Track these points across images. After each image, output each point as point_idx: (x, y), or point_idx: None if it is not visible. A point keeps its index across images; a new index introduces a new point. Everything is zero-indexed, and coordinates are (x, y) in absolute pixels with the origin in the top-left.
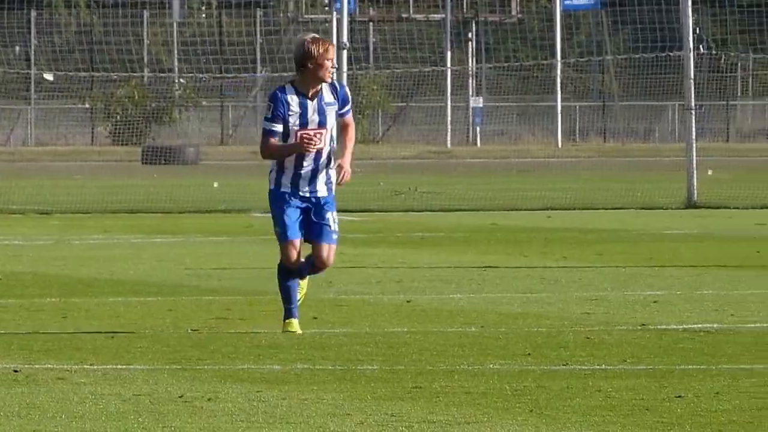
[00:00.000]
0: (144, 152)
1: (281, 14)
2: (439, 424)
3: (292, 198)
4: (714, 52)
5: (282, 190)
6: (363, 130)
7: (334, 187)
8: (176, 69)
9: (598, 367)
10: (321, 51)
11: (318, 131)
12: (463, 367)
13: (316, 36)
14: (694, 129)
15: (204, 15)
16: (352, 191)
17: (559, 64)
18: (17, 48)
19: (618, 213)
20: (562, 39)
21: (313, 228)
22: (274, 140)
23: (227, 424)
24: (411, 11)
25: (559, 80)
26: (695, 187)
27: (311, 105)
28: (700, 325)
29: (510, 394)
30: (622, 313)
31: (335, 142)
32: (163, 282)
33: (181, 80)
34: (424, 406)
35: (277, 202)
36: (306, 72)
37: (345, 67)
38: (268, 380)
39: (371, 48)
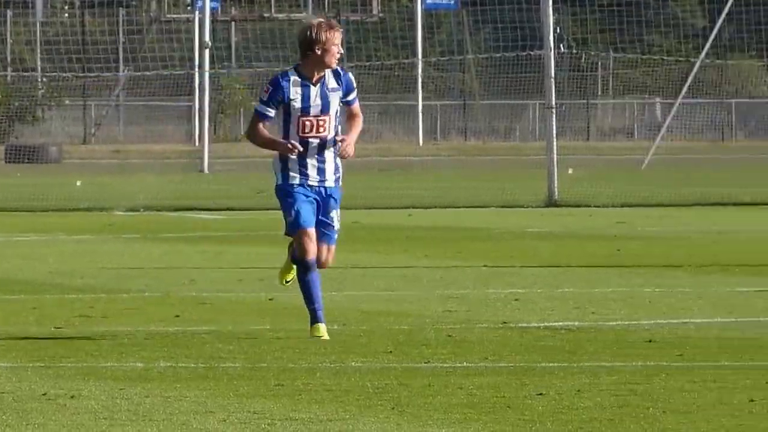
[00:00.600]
0: (7, 151)
1: (143, 14)
2: (301, 422)
3: (303, 188)
4: (574, 51)
5: (291, 182)
6: (225, 129)
7: (341, 180)
8: (39, 68)
9: (459, 364)
10: (329, 36)
11: (321, 118)
12: (325, 365)
13: (323, 20)
14: (554, 128)
15: (66, 14)
16: (215, 190)
17: (420, 63)
18: None
19: (479, 211)
20: (423, 38)
21: (317, 225)
22: (263, 125)
23: (90, 421)
24: (273, 10)
25: (420, 79)
26: (556, 186)
27: (314, 90)
28: (561, 323)
29: (372, 391)
30: (483, 311)
31: (339, 132)
32: (27, 280)
33: (44, 79)
34: (287, 403)
35: (287, 192)
36: (312, 57)
37: (207, 67)
38: (131, 378)
39: (233, 47)
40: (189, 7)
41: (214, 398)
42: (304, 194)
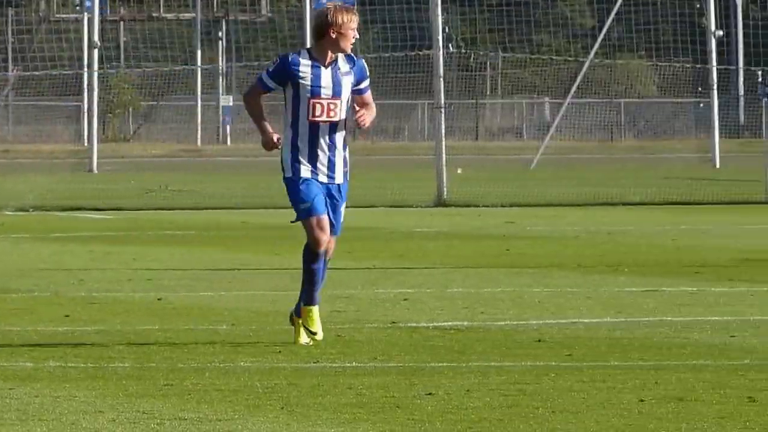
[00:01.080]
0: None
1: (32, 13)
2: (190, 421)
3: (313, 179)
4: (463, 51)
5: (303, 174)
6: (114, 128)
7: (349, 175)
8: None
9: (348, 364)
10: (345, 20)
11: (332, 101)
12: (214, 365)
13: (340, 4)
14: (443, 127)
15: None
16: (104, 189)
17: None
18: None
19: (368, 211)
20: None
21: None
22: (260, 95)
23: None
24: (161, 10)
25: None
26: (445, 186)
27: (325, 73)
28: (450, 323)
29: (261, 391)
30: (372, 310)
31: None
32: None
33: None
34: (176, 403)
35: (298, 181)
36: (326, 40)
37: (96, 66)
38: (20, 377)
39: (122, 47)
40: (78, 7)
41: (104, 398)
42: (315, 183)
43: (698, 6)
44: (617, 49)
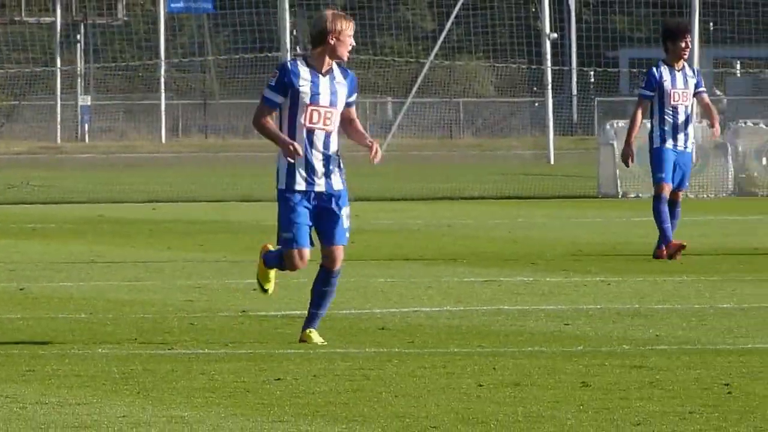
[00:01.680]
0: None
1: None
2: (51, 405)
3: (304, 200)
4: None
5: (296, 188)
6: None
7: (345, 179)
8: None
9: (201, 351)
10: (344, 27)
11: (329, 110)
12: (73, 352)
13: (338, 12)
14: None
15: None
16: None
17: (162, 64)
18: None
19: (219, 205)
20: (166, 40)
21: (327, 227)
22: (270, 115)
23: None
24: (23, 14)
25: (162, 80)
26: None
27: (323, 81)
28: (297, 312)
29: (118, 377)
30: (223, 300)
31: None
32: None
33: None
34: (37, 388)
35: (288, 204)
36: (325, 47)
37: None
38: None
39: None
40: None
41: None
42: (304, 208)
43: (534, 10)
44: (456, 51)
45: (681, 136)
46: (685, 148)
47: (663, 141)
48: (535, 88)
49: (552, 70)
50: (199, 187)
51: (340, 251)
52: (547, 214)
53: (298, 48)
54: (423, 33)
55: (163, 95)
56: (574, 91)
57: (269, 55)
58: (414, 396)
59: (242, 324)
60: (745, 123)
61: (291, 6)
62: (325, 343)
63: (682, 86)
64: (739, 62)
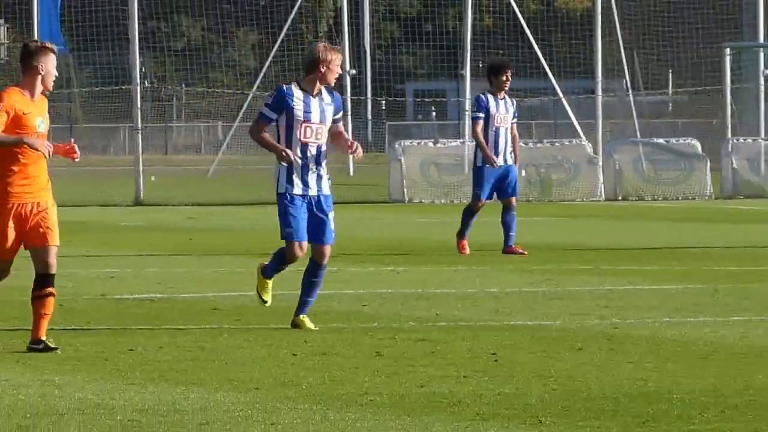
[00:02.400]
0: None
1: None
2: None
3: (302, 202)
4: (156, 85)
5: (294, 192)
6: None
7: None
8: None
9: (67, 327)
10: (333, 58)
11: (320, 126)
12: None
13: (328, 44)
14: (140, 145)
15: None
16: None
17: None
18: None
19: (81, 209)
20: None
21: (317, 227)
22: (265, 127)
23: None
24: None
25: None
26: (141, 189)
27: (314, 101)
28: (146, 295)
29: (2, 349)
30: (86, 286)
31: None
32: None
33: None
34: None
35: (288, 205)
36: (315, 74)
37: None
38: None
39: None
40: None
41: None
42: (302, 208)
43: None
44: (275, 84)
45: (502, 155)
46: (506, 161)
47: (483, 161)
48: None
49: (351, 99)
50: (65, 194)
51: (328, 249)
52: (351, 217)
53: (146, 82)
54: (247, 70)
55: None
56: (369, 117)
57: (123, 87)
58: (240, 363)
59: (102, 305)
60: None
61: (140, 47)
62: (317, 328)
63: (504, 112)
64: None
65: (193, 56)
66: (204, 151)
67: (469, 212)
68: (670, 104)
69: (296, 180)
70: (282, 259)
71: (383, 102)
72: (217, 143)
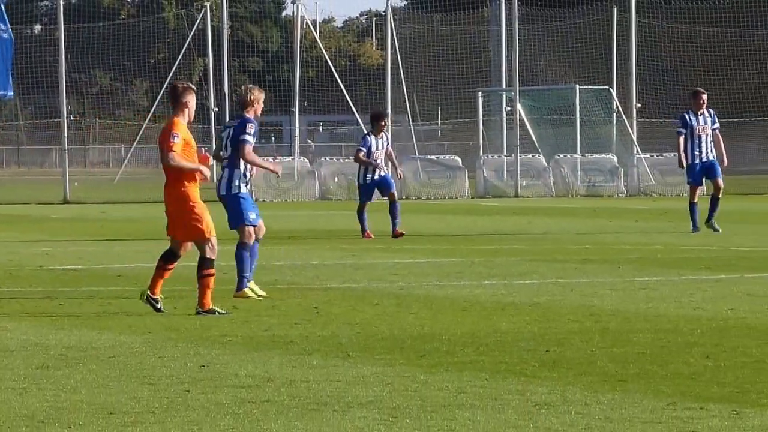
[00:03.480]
0: None
1: None
2: None
3: (249, 195)
4: (78, 119)
5: (245, 191)
6: None
7: None
8: None
9: (14, 289)
10: (259, 96)
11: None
12: None
13: (255, 86)
14: (67, 160)
15: None
16: None
17: None
18: None
19: (24, 206)
20: None
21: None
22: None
23: None
24: None
25: None
26: (68, 192)
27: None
28: (71, 267)
29: None
30: (28, 259)
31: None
32: None
33: None
34: None
35: (246, 199)
36: (254, 108)
37: None
38: None
39: None
40: None
41: None
42: (252, 200)
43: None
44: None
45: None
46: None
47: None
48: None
49: (215, 128)
50: (12, 194)
51: (262, 228)
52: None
53: (71, 116)
54: (142, 107)
55: None
56: None
57: (54, 120)
58: (137, 315)
59: (39, 273)
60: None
61: (66, 92)
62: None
63: (381, 148)
64: (321, 124)
65: (103, 98)
66: (111, 165)
67: (360, 212)
68: (439, 131)
69: (245, 183)
70: (244, 255)
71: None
72: (120, 159)
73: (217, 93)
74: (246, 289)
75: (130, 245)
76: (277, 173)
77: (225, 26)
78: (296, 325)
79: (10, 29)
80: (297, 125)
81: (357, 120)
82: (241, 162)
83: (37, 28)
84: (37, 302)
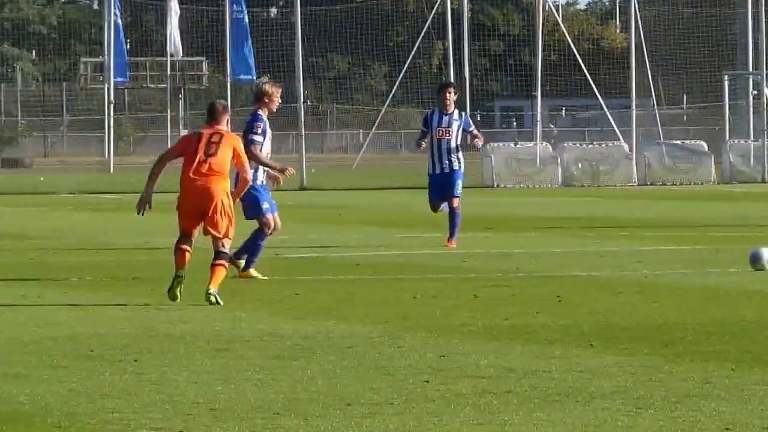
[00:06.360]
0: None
1: None
2: None
3: (266, 188)
4: (314, 103)
5: (264, 184)
6: None
7: None
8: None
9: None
10: (275, 90)
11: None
12: None
13: (270, 81)
14: (303, 146)
15: None
16: None
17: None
18: None
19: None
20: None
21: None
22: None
23: None
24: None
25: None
26: (305, 178)
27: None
28: (306, 255)
29: None
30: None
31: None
32: None
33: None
34: None
35: (262, 192)
36: (266, 104)
37: None
38: None
39: None
40: None
41: None
42: (267, 194)
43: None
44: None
45: (446, 162)
46: (452, 168)
47: (431, 167)
48: None
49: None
50: None
51: (278, 220)
52: None
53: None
54: (380, 92)
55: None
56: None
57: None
58: (374, 303)
59: (274, 262)
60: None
61: (303, 77)
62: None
63: (446, 125)
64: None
65: (341, 82)
66: (350, 151)
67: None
68: (685, 116)
69: (263, 177)
70: (259, 237)
71: (478, 115)
72: (358, 145)
73: (457, 77)
74: (251, 270)
75: (368, 233)
76: (284, 175)
77: (465, 9)
78: (538, 315)
79: (246, 12)
80: (539, 110)
81: (600, 104)
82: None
83: (273, 11)
84: (272, 291)
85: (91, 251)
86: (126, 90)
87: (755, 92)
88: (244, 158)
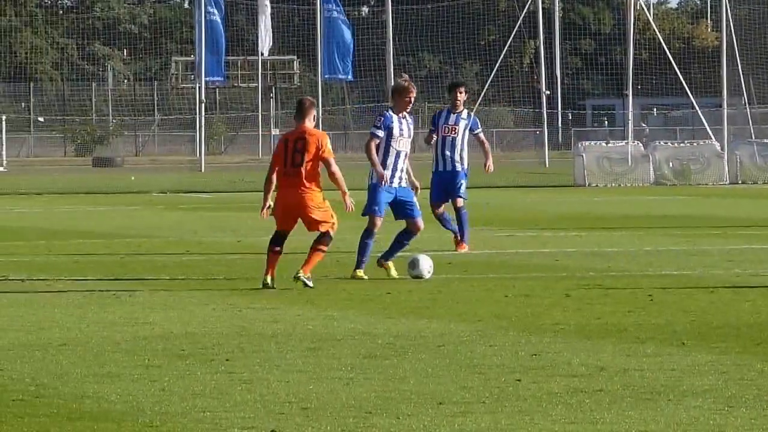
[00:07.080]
0: (93, 160)
1: None
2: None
3: (386, 188)
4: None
5: (383, 183)
6: None
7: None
8: (110, 115)
9: (339, 277)
10: (412, 89)
11: (404, 139)
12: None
13: (408, 80)
14: None
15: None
16: None
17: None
18: None
19: None
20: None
21: (401, 209)
22: (375, 142)
23: None
24: (239, 82)
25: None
26: None
27: (403, 122)
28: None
29: None
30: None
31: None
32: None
33: (114, 121)
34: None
35: (379, 191)
36: (402, 101)
37: None
38: None
39: None
40: None
41: None
42: (386, 192)
43: (535, 77)
44: (492, 101)
45: (450, 160)
46: (454, 167)
47: (435, 164)
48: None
49: (546, 112)
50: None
51: (421, 221)
52: (544, 196)
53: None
54: (471, 90)
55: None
56: (560, 125)
57: (381, 104)
58: (467, 302)
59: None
60: (659, 143)
61: (394, 75)
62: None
63: (453, 123)
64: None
65: (432, 81)
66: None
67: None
68: None
69: (386, 175)
70: (367, 237)
71: (570, 114)
72: None
73: (549, 77)
74: (359, 271)
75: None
76: (381, 178)
77: (557, 7)
78: (630, 313)
79: (343, 11)
80: (630, 108)
81: (691, 103)
82: (390, 153)
83: (365, 10)
84: (364, 290)
85: (183, 250)
86: (217, 89)
87: None
88: (328, 154)
